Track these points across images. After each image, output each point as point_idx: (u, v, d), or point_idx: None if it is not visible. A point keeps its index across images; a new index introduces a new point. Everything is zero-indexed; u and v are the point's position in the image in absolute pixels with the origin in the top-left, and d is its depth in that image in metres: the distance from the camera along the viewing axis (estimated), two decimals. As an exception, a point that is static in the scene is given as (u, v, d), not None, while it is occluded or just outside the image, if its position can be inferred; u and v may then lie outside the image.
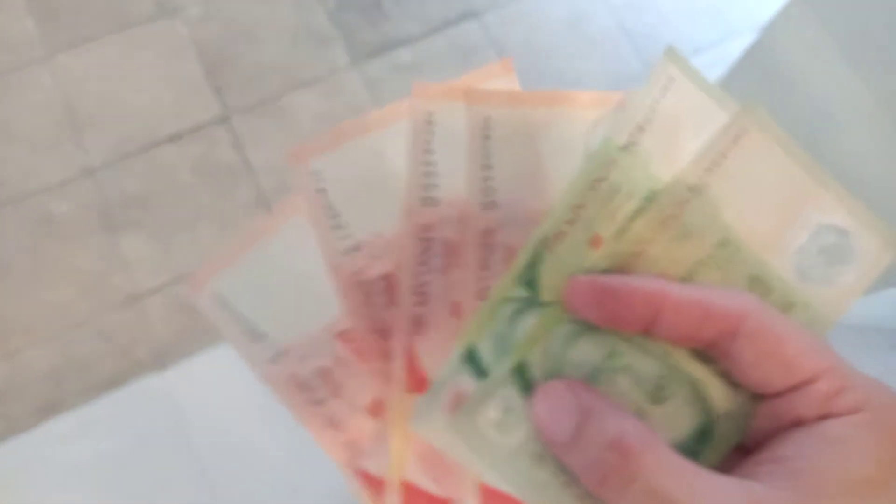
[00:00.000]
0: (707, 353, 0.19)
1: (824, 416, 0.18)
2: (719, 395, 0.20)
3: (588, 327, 0.20)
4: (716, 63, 0.77)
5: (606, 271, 0.20)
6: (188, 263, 1.04)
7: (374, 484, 0.21)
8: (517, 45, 1.21)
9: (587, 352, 0.20)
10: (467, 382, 0.20)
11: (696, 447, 0.20)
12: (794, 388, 0.18)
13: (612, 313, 0.19)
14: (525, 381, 0.20)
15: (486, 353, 0.20)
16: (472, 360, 0.20)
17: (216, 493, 0.90)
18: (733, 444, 0.20)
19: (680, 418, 0.20)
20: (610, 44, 1.25)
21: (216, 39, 1.19)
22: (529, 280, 0.20)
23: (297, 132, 1.14)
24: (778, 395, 0.18)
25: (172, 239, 1.06)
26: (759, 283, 0.20)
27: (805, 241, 0.20)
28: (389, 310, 0.21)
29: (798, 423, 0.18)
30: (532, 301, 0.20)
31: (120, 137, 1.11)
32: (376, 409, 0.22)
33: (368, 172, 0.21)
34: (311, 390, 0.22)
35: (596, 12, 1.28)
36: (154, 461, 0.90)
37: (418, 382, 0.21)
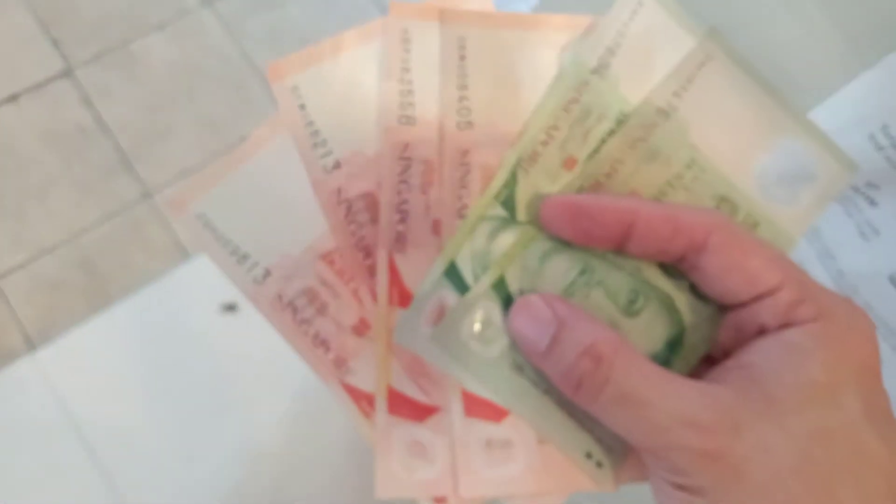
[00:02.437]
0: (676, 268, 0.21)
1: (785, 325, 0.19)
2: (688, 307, 0.21)
3: (563, 244, 0.21)
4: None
5: (580, 190, 0.22)
6: (45, 237, 0.96)
7: (361, 397, 0.22)
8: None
9: (562, 268, 0.21)
10: (449, 296, 0.22)
11: (667, 356, 0.21)
12: (758, 299, 0.19)
13: (586, 230, 0.20)
14: (504, 295, 0.21)
15: (466, 268, 0.22)
16: (453, 276, 0.22)
17: (109, 473, 0.86)
18: (702, 354, 0.21)
19: (652, 329, 0.21)
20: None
21: (45, -13, 1.07)
22: (506, 199, 0.21)
23: (152, 81, 1.06)
24: (742, 305, 0.20)
25: (24, 213, 0.96)
26: (725, 203, 0.22)
27: (769, 163, 0.22)
28: (371, 228, 0.22)
29: (761, 332, 0.19)
30: (509, 219, 0.22)
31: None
32: (361, 328, 0.22)
33: (347, 90, 0.22)
34: (297, 310, 0.22)
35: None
36: (38, 448, 0.84)
37: (402, 297, 0.22)
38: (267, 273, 0.22)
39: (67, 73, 1.04)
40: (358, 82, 0.22)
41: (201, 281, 0.94)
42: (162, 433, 0.91)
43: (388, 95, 0.21)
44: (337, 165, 0.22)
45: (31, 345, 0.89)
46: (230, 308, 0.91)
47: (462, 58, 0.21)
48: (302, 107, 0.21)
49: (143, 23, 1.08)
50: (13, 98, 1.01)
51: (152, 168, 1.02)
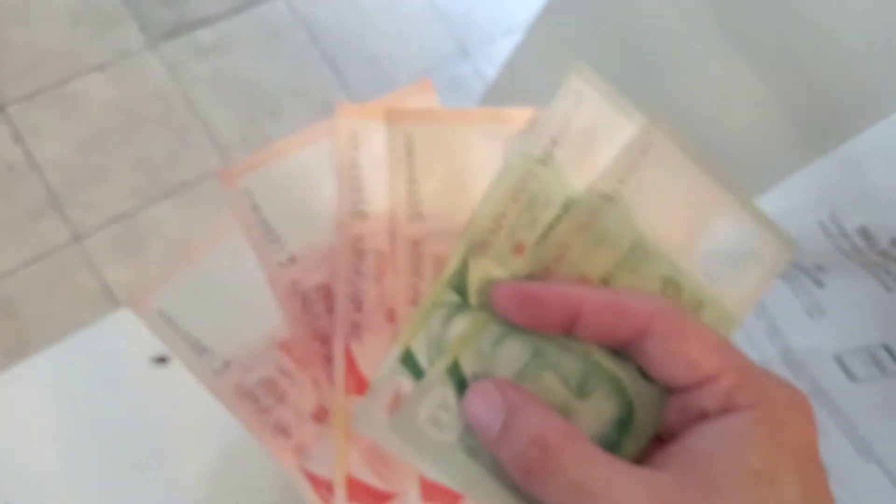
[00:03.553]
0: (623, 351, 0.21)
1: (726, 411, 0.19)
2: (636, 388, 0.22)
3: (515, 328, 0.22)
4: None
5: (530, 275, 0.22)
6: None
7: (320, 485, 0.23)
8: (327, 23, 1.19)
9: (514, 351, 0.22)
10: (405, 383, 0.22)
11: (617, 437, 0.22)
12: (699, 384, 0.20)
13: (535, 316, 0.21)
14: (459, 379, 0.22)
15: (421, 354, 0.22)
16: (409, 362, 0.22)
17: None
18: (650, 434, 0.22)
19: (602, 411, 0.22)
20: (423, 23, 1.27)
21: (-23, 24, 1.04)
22: (458, 286, 0.22)
23: (88, 121, 1.04)
24: (685, 390, 0.20)
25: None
26: (671, 284, 0.22)
27: (712, 244, 0.22)
28: (328, 317, 0.23)
29: (704, 417, 0.20)
30: (462, 305, 0.22)
31: None
32: (320, 414, 0.23)
33: (298, 189, 0.22)
34: (256, 399, 0.23)
35: (408, -8, 1.29)
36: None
37: (358, 385, 0.22)
38: (226, 365, 0.23)
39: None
40: (309, 179, 0.22)
41: (131, 331, 0.91)
42: (84, 490, 0.87)
43: (340, 192, 0.22)
44: (292, 260, 0.22)
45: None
46: (161, 360, 0.89)
47: (410, 153, 0.22)
48: (255, 208, 0.22)
49: (83, 62, 1.06)
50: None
51: (84, 210, 0.99)
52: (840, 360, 0.29)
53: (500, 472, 0.22)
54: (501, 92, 0.58)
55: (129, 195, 1.01)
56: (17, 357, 0.88)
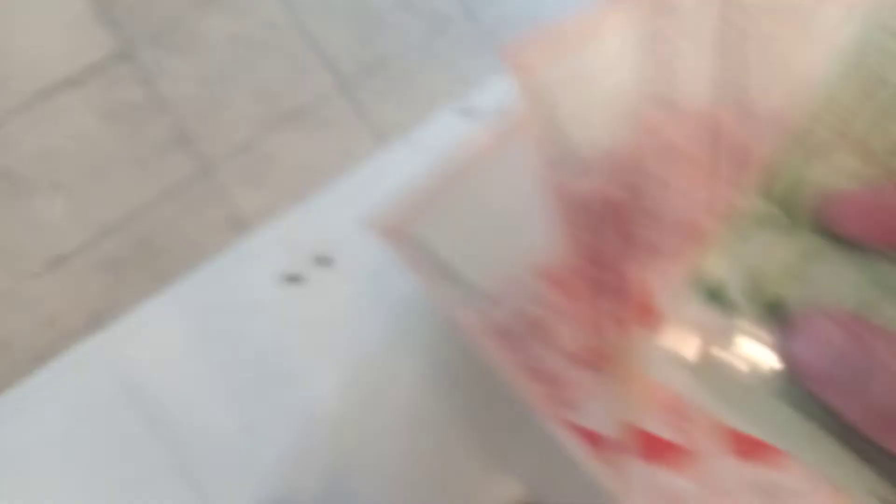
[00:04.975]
0: None
1: None
2: None
3: (852, 250, 0.17)
4: None
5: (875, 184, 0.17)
6: (107, 216, 0.94)
7: (596, 439, 0.19)
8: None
9: (848, 278, 0.17)
10: (712, 318, 0.18)
11: None
12: None
13: (890, 227, 0.17)
14: (780, 313, 0.17)
15: (732, 282, 0.18)
16: (715, 291, 0.18)
17: (173, 445, 0.85)
18: None
19: None
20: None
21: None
22: (784, 197, 0.17)
23: (213, 59, 1.03)
24: None
25: (87, 192, 0.94)
26: None
27: None
28: (613, 238, 0.18)
29: None
30: (781, 220, 0.18)
31: (8, 91, 0.97)
32: (590, 357, 0.19)
33: (598, 83, 0.18)
34: (513, 338, 0.18)
35: None
36: (104, 425, 0.84)
37: (650, 318, 0.18)
38: (483, 299, 0.19)
39: (127, 54, 1.01)
40: (612, 73, 0.18)
41: (263, 254, 0.93)
42: (227, 405, 0.91)
43: (643, 73, 0.17)
44: (582, 170, 0.18)
45: (94, 325, 0.88)
46: (293, 279, 0.90)
47: (738, 26, 0.17)
48: (548, 101, 0.17)
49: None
50: (76, 81, 0.99)
51: (210, 143, 0.99)
52: None
53: (836, 427, 0.17)
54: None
55: (251, 125, 1.01)
56: (161, 285, 0.92)
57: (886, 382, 0.15)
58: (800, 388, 0.17)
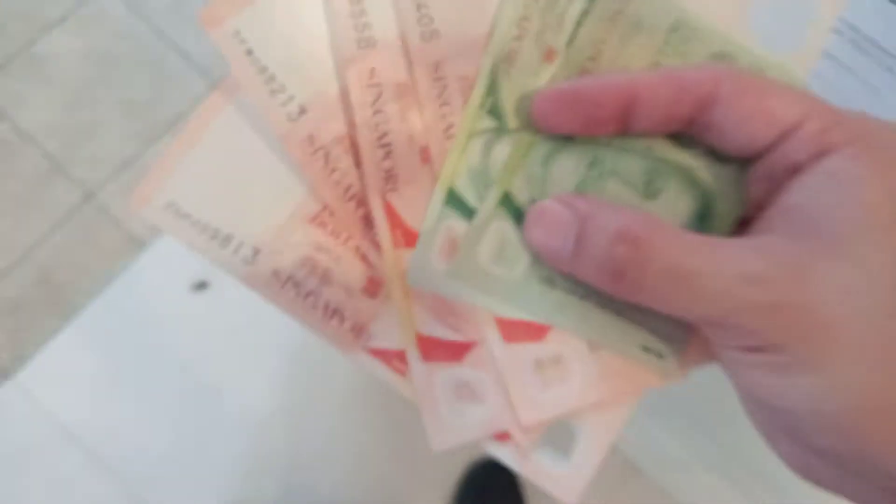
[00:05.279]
0: (687, 135, 0.19)
1: (821, 154, 0.17)
2: (709, 173, 0.20)
3: (564, 142, 0.20)
4: None
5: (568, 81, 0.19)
6: (-6, 258, 0.91)
7: (391, 357, 0.21)
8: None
9: (569, 166, 0.20)
10: (456, 225, 0.20)
11: (700, 229, 0.20)
12: (783, 137, 0.17)
13: (586, 117, 0.19)
14: (514, 210, 0.20)
15: (467, 191, 0.20)
16: (456, 202, 0.20)
17: (117, 473, 0.84)
18: (737, 218, 0.20)
19: (677, 206, 0.20)
20: None
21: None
22: (492, 108, 0.20)
23: (68, 80, 1.00)
24: (768, 149, 0.18)
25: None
26: (725, 58, 0.20)
27: (759, 11, 0.20)
28: (356, 173, 0.20)
29: (795, 171, 0.17)
30: (501, 129, 0.20)
31: None
32: (371, 288, 0.21)
33: (292, 24, 0.19)
34: (299, 284, 0.20)
35: None
36: (40, 467, 0.83)
37: (407, 238, 0.20)
38: (256, 251, 0.20)
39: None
40: (304, 13, 0.19)
41: (165, 266, 0.91)
42: (162, 423, 0.90)
43: (339, 19, 0.19)
44: (302, 111, 0.19)
45: (6, 370, 0.86)
46: (201, 286, 0.89)
47: None
48: (249, 52, 0.19)
49: (42, 20, 1.00)
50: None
51: (88, 167, 0.96)
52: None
53: (583, 293, 0.20)
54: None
55: (126, 141, 0.98)
56: (67, 319, 0.90)
57: (596, 236, 0.18)
58: (549, 268, 0.20)
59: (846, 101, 0.28)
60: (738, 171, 0.19)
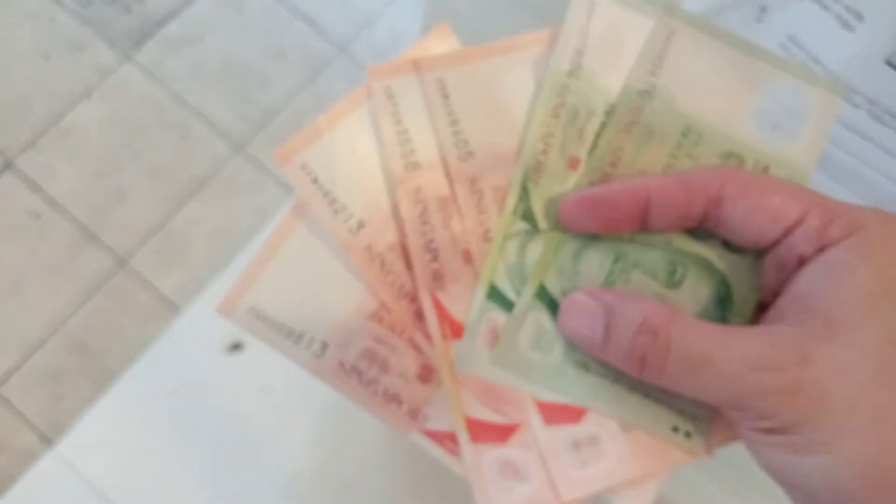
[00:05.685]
0: (702, 230, 0.21)
1: (822, 248, 0.19)
2: (726, 263, 0.22)
3: (591, 239, 0.22)
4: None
5: (590, 186, 0.22)
6: (33, 332, 0.94)
7: (444, 439, 0.23)
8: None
9: (596, 261, 0.22)
10: (497, 317, 0.22)
11: (720, 315, 0.22)
12: (787, 232, 0.19)
13: (606, 218, 0.21)
14: (549, 301, 0.22)
15: (506, 287, 0.22)
16: (496, 296, 0.23)
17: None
18: (754, 304, 0.22)
19: (698, 294, 0.22)
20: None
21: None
22: (524, 213, 0.23)
23: (94, 149, 1.04)
24: (775, 243, 0.20)
25: (6, 313, 0.94)
26: (732, 157, 0.22)
27: (760, 109, 0.23)
28: (408, 274, 0.23)
29: (802, 263, 0.19)
30: (533, 230, 0.23)
31: None
32: (425, 374, 0.23)
33: (351, 155, 0.23)
34: (360, 373, 0.23)
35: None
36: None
37: (454, 330, 0.23)
38: (325, 346, 0.23)
39: (8, 166, 1.01)
40: (359, 145, 0.23)
41: (199, 330, 0.94)
42: (201, 486, 0.91)
43: (389, 148, 0.23)
44: (360, 225, 0.23)
45: (47, 441, 0.88)
46: (236, 347, 0.91)
47: (445, 97, 0.23)
48: (315, 181, 0.23)
49: (68, 94, 1.05)
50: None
51: (118, 233, 1.00)
52: (892, 62, 0.27)
53: (615, 377, 0.22)
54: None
55: (154, 206, 1.01)
56: (103, 386, 0.92)
57: (621, 327, 0.20)
58: (583, 353, 0.22)
59: (868, 166, 0.31)
60: (753, 260, 0.21)
